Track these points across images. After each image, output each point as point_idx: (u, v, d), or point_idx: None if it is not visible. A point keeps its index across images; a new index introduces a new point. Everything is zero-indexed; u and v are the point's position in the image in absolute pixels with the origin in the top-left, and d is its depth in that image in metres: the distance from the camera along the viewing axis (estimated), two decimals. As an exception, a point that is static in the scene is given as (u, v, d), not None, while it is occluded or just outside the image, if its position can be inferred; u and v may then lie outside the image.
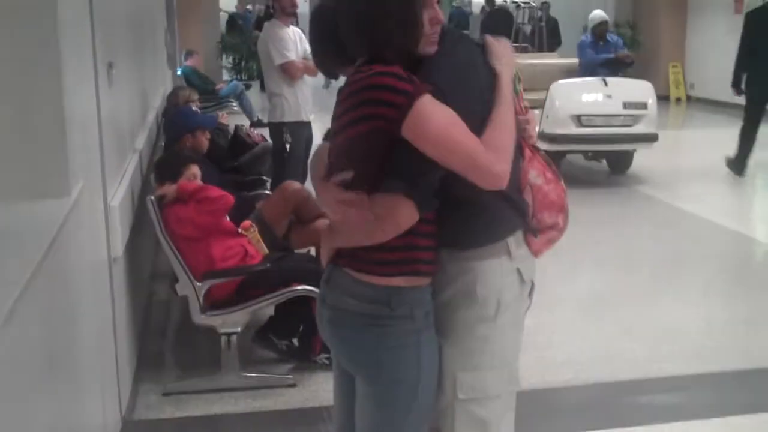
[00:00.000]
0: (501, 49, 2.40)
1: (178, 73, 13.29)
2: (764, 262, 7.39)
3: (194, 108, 7.14)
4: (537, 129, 9.12)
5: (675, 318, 5.62)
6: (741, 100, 11.18)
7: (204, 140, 5.81)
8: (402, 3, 2.22)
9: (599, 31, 10.88)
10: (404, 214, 2.20)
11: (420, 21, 2.25)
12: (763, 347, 5.07)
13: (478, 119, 2.22)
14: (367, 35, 2.25)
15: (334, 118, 2.35)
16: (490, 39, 2.40)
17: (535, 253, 2.54)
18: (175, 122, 6.17)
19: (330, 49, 2.44)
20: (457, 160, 2.19)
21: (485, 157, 2.20)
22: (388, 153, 2.19)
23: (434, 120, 2.15)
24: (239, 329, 4.46)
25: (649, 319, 5.61)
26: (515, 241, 2.43)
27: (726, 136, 12.30)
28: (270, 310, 4.69)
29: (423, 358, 2.32)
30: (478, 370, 2.40)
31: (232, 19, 21.40)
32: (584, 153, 10.57)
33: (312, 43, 2.59)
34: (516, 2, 16.47)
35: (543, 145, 9.28)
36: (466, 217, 2.36)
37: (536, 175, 2.53)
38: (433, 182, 2.23)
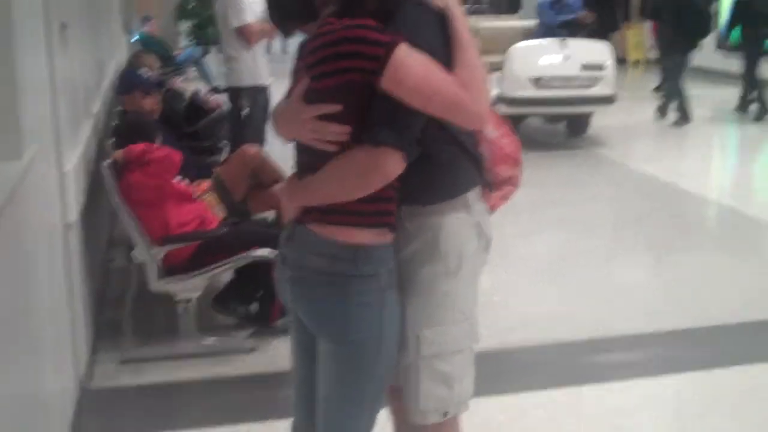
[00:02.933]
0: None
1: (135, 38, 13.12)
2: (718, 222, 7.49)
3: (150, 73, 7.07)
4: (496, 92, 9.19)
5: (631, 278, 5.68)
6: (699, 62, 11.52)
7: (145, 103, 5.73)
8: None
9: (558, -8, 10.88)
10: (392, 165, 2.16)
11: None
12: (717, 305, 5.14)
13: (444, 63, 2.20)
14: None
15: (296, 72, 2.31)
16: None
17: (492, 208, 2.55)
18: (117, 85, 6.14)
19: (293, 2, 2.36)
20: (439, 105, 2.18)
21: (466, 98, 2.19)
22: (365, 105, 2.16)
23: (413, 68, 2.12)
24: (197, 295, 4.44)
25: (605, 279, 5.67)
26: (474, 196, 2.43)
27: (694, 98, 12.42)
28: (229, 276, 4.69)
29: (386, 317, 2.31)
30: (441, 325, 2.41)
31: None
32: (543, 115, 10.61)
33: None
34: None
35: (502, 108, 9.36)
36: (427, 173, 2.33)
37: (492, 128, 2.54)
38: (416, 130, 2.20)
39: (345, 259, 2.25)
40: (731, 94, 12.94)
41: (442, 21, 2.27)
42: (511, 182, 2.63)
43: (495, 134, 2.55)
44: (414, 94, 2.13)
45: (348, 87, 2.15)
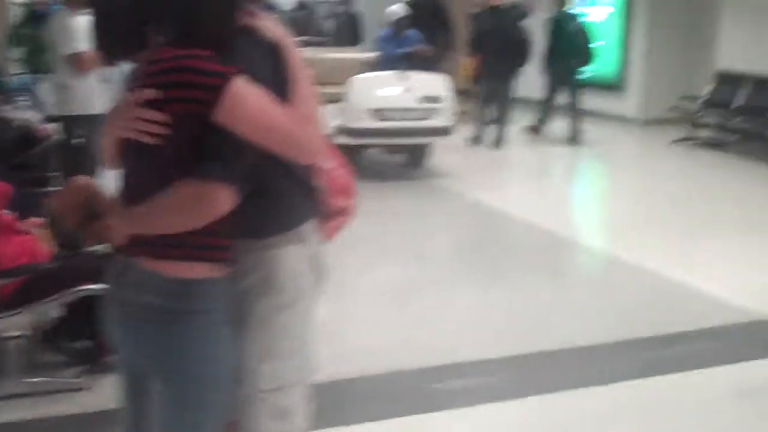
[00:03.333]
0: (271, 24, 2.34)
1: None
2: (554, 250, 7.72)
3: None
4: (337, 123, 9.21)
5: (470, 305, 5.78)
6: (532, 94, 12.14)
7: None
8: None
9: (399, 26, 11.06)
10: (223, 200, 2.13)
11: (237, 15, 2.23)
12: (554, 330, 5.29)
13: (278, 98, 2.19)
14: (182, 14, 2.17)
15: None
16: (255, 20, 2.31)
17: (327, 238, 2.56)
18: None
19: (122, 30, 2.28)
20: (273, 139, 2.16)
21: (301, 132, 2.19)
22: (196, 137, 2.12)
23: (248, 101, 2.10)
24: (24, 332, 4.26)
25: (445, 307, 5.74)
26: (309, 228, 2.43)
27: (515, 129, 12.83)
28: (59, 311, 4.51)
29: (221, 353, 2.26)
30: (279, 360, 2.39)
31: (31, 11, 20.48)
32: (383, 146, 10.73)
33: (99, 21, 2.37)
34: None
35: (343, 139, 9.40)
36: (262, 206, 2.32)
37: (326, 160, 2.55)
38: (246, 165, 2.18)
39: (177, 294, 2.20)
40: (562, 124, 13.49)
41: (275, 53, 2.26)
42: (346, 212, 2.65)
43: (329, 166, 2.56)
44: (248, 127, 2.11)
45: (183, 117, 2.10)
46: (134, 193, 2.25)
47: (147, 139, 2.13)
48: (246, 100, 2.10)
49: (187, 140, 2.12)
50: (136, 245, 2.24)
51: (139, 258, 2.24)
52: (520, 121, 12.94)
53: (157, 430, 2.34)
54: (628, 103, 14.30)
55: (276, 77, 2.23)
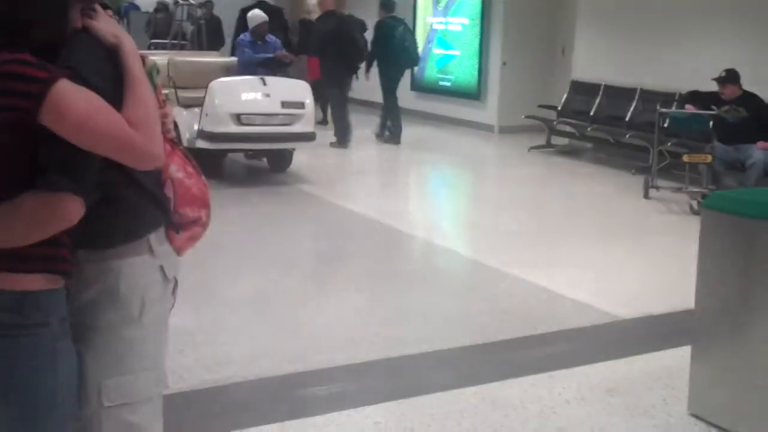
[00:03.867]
0: (108, 24, 2.26)
1: None
2: (414, 254, 7.80)
3: None
4: (197, 127, 9.11)
5: (332, 312, 5.77)
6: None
7: None
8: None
9: (259, 31, 10.98)
10: (71, 211, 2.04)
11: (69, 16, 2.14)
12: (410, 335, 5.32)
13: (116, 101, 2.11)
14: (6, 17, 2.06)
15: None
16: (91, 21, 2.23)
17: (178, 250, 2.48)
18: None
19: None
20: (106, 145, 2.08)
21: (137, 138, 2.10)
22: (27, 147, 2.03)
23: (74, 105, 2.01)
24: None
25: (307, 314, 5.72)
26: (157, 238, 2.35)
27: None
28: None
29: (60, 368, 2.16)
30: (126, 374, 2.30)
31: None
32: (245, 151, 10.63)
33: None
34: (177, 1, 16.23)
35: (203, 144, 9.28)
36: (104, 215, 2.23)
37: (177, 169, 2.47)
38: (94, 174, 2.09)
39: (10, 308, 2.09)
40: (422, 132, 13.69)
41: (113, 57, 2.19)
42: (199, 223, 2.56)
43: (180, 174, 2.48)
44: (77, 134, 2.03)
45: (8, 127, 2.01)
46: None
47: None
48: (70, 107, 2.01)
49: (19, 150, 2.04)
50: None
51: None
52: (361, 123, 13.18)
53: None
54: (485, 112, 14.61)
55: (112, 81, 2.16)
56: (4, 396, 2.14)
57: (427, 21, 15.92)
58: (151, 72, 2.32)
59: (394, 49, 13.03)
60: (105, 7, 2.30)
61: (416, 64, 14.03)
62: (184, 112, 9.84)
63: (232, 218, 7.94)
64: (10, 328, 2.09)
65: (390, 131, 13.37)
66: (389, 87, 13.41)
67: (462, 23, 15.00)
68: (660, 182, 9.46)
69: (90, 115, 2.04)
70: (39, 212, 2.04)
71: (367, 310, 5.83)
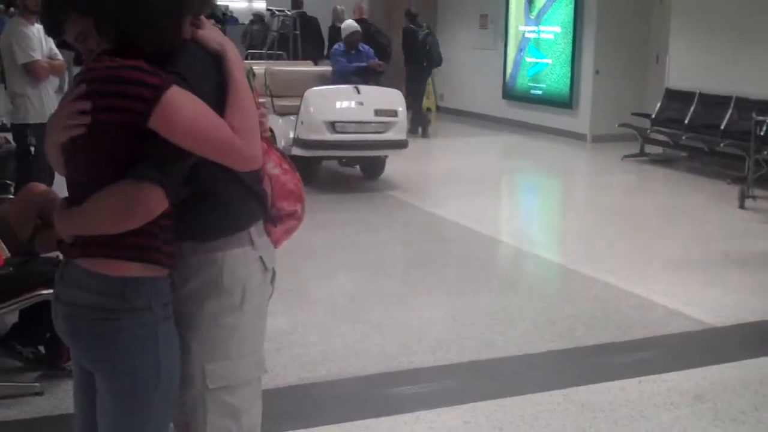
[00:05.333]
0: (213, 33, 2.39)
1: None
2: (504, 260, 7.84)
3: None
4: (292, 135, 9.31)
5: (422, 315, 5.86)
6: (486, 109, 12.35)
7: None
8: (171, 6, 2.24)
9: (351, 40, 11.16)
10: (155, 201, 2.18)
11: (182, 27, 2.28)
12: (499, 338, 5.38)
13: (219, 105, 2.25)
14: (124, 24, 2.22)
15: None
16: (197, 30, 2.36)
17: (276, 243, 2.60)
18: None
19: (74, 5, 2.31)
20: (209, 147, 2.22)
21: (237, 141, 2.24)
22: (133, 144, 2.17)
23: (183, 111, 2.16)
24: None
25: (398, 316, 5.81)
26: (257, 231, 2.48)
27: (470, 144, 12.99)
28: (14, 317, 4.50)
29: (162, 351, 2.30)
30: (228, 359, 2.43)
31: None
32: (339, 159, 10.80)
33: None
34: (271, 10, 16.53)
35: (298, 151, 9.46)
36: (209, 209, 2.38)
37: (273, 165, 2.61)
38: (183, 170, 2.23)
39: (114, 293, 2.25)
40: (513, 140, 13.67)
41: (217, 64, 2.32)
42: (295, 217, 2.69)
43: (277, 171, 2.62)
44: (183, 136, 2.17)
45: (118, 126, 2.16)
46: (76, 197, 2.30)
47: (76, 131, 2.18)
48: (179, 112, 2.16)
49: (122, 146, 2.18)
50: (76, 246, 2.30)
51: (78, 258, 2.29)
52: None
53: (101, 429, 2.37)
54: (578, 120, 14.53)
55: (216, 87, 2.29)
56: (109, 376, 2.31)
57: (519, 29, 15.91)
58: (248, 76, 2.44)
59: (417, 52, 14.64)
60: (218, 17, 2.44)
61: (439, 65, 15.28)
62: (280, 121, 10.06)
63: (325, 223, 8.11)
64: (113, 312, 2.25)
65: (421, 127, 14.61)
66: (413, 88, 14.85)
67: (554, 31, 14.95)
68: (756, 192, 9.30)
69: (196, 120, 2.19)
70: (122, 199, 2.18)
71: (457, 313, 5.89)
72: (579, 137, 14.38)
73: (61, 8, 2.32)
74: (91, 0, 2.26)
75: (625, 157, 12.43)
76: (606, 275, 6.71)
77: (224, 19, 17.77)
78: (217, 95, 2.27)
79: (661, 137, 12.41)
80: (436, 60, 14.93)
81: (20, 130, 7.20)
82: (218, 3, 22.91)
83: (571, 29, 14.55)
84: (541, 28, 15.29)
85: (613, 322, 5.69)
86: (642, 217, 9.26)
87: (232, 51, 2.37)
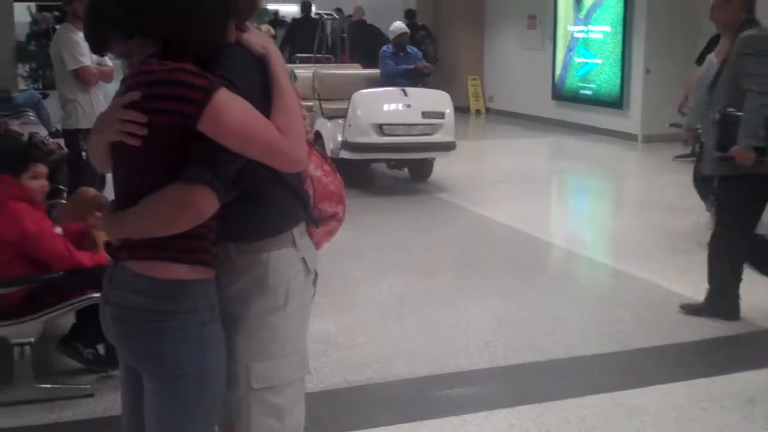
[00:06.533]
0: (258, 37, 2.42)
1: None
2: (553, 262, 7.80)
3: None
4: (341, 138, 9.36)
5: (469, 316, 5.85)
6: (530, 110, 12.16)
7: None
8: (217, 11, 2.28)
9: (399, 42, 11.18)
10: (206, 203, 2.21)
11: (227, 32, 2.31)
12: (547, 341, 5.35)
13: (264, 107, 2.28)
14: (172, 28, 2.26)
15: None
16: (243, 34, 2.39)
17: (317, 244, 2.63)
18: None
19: (119, 24, 2.36)
20: (257, 149, 2.25)
21: (284, 143, 2.27)
22: (182, 146, 2.21)
23: (232, 113, 2.19)
24: (33, 339, 4.32)
25: (445, 318, 5.81)
26: (299, 232, 2.51)
27: (520, 145, 12.92)
28: (71, 318, 4.58)
29: (208, 352, 2.34)
30: (272, 359, 2.46)
31: (35, 28, 20.77)
32: (387, 161, 10.82)
33: (97, 10, 2.45)
34: (319, 13, 16.60)
35: (346, 154, 9.49)
36: (252, 210, 2.41)
37: (315, 167, 2.63)
38: (232, 172, 2.26)
39: (161, 295, 2.28)
40: (563, 141, 13.56)
41: (261, 66, 2.35)
42: (336, 218, 2.72)
43: (318, 173, 2.64)
44: (231, 138, 2.20)
45: (167, 128, 2.19)
46: (124, 199, 2.34)
47: (131, 141, 2.22)
48: (228, 113, 2.19)
49: (171, 148, 2.22)
50: (124, 248, 2.34)
51: (127, 260, 2.33)
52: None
53: (149, 428, 2.41)
54: (628, 120, 14.39)
55: (261, 89, 2.32)
56: (157, 377, 2.35)
57: (567, 29, 15.81)
58: (289, 78, 2.48)
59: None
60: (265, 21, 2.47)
61: (434, 63, 14.74)
62: (329, 124, 10.11)
63: (373, 225, 8.14)
64: (162, 314, 2.29)
65: None
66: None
67: (603, 31, 14.83)
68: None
69: (243, 122, 2.22)
70: (174, 202, 2.22)
71: (505, 315, 5.88)
72: (629, 137, 14.24)
73: (105, 27, 2.37)
74: (135, 16, 2.29)
75: (677, 157, 12.26)
76: (657, 277, 6.65)
77: (277, 21, 17.83)
78: (263, 97, 2.30)
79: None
80: (430, 59, 14.35)
81: (72, 136, 7.32)
82: (269, 7, 23.08)
83: (620, 28, 14.42)
84: (590, 27, 15.18)
85: (663, 325, 5.63)
86: (693, 219, 9.14)
87: (275, 54, 2.40)
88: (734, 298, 5.67)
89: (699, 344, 5.35)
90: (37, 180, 4.53)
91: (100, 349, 4.63)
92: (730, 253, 5.61)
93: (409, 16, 16.98)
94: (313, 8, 17.19)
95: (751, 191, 5.42)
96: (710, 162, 5.57)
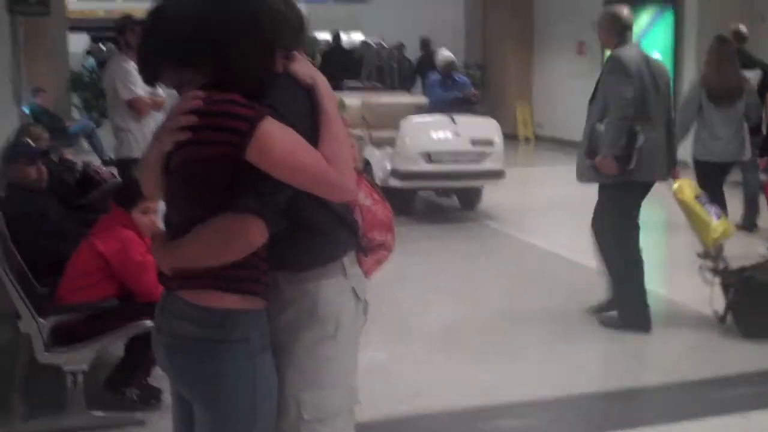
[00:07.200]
0: (305, 67, 2.42)
1: (25, 111, 12.93)
2: (604, 290, 7.68)
3: (37, 144, 6.97)
4: (389, 166, 9.33)
5: (520, 346, 5.80)
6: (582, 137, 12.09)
7: (29, 172, 5.55)
8: (265, 41, 2.29)
9: (447, 70, 11.19)
10: (255, 232, 2.22)
11: (274, 61, 2.33)
12: (600, 372, 5.28)
13: (311, 137, 2.29)
14: (224, 58, 2.28)
15: None
16: (290, 64, 2.39)
17: (366, 273, 2.63)
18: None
19: (172, 54, 2.35)
20: (305, 179, 2.25)
21: (331, 172, 2.27)
22: (232, 176, 2.22)
23: (278, 142, 2.20)
24: (85, 367, 4.35)
25: (495, 347, 5.78)
26: (349, 261, 2.50)
27: (569, 172, 12.76)
28: (119, 349, 4.60)
29: (259, 381, 2.34)
30: (322, 389, 2.45)
31: (90, 59, 21.20)
32: (435, 189, 10.80)
33: (151, 41, 2.42)
34: (367, 42, 16.73)
35: (395, 182, 9.48)
36: (303, 240, 2.41)
37: (364, 196, 2.64)
38: (281, 202, 2.27)
39: (213, 324, 2.29)
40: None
41: (308, 95, 2.36)
42: (385, 247, 2.72)
43: (368, 201, 2.64)
44: (278, 168, 2.20)
45: (215, 159, 2.21)
46: (174, 229, 2.36)
47: (183, 136, 2.24)
48: (275, 143, 2.20)
49: (221, 179, 2.23)
50: (177, 278, 2.36)
51: (179, 290, 2.35)
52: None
53: None
54: (681, 148, 14.16)
55: (309, 118, 2.33)
56: (207, 406, 2.35)
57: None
58: (338, 106, 2.48)
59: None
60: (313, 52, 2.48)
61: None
62: (377, 152, 10.12)
63: (422, 254, 8.11)
64: (213, 343, 2.30)
65: None
66: None
67: (654, 56, 14.70)
68: None
69: (291, 152, 2.22)
70: (224, 232, 2.23)
71: (556, 347, 5.82)
72: (682, 165, 14.03)
73: (158, 57, 2.39)
74: (185, 47, 2.31)
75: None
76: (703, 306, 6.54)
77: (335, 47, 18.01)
78: (311, 127, 2.31)
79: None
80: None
81: (124, 165, 7.39)
82: (317, 37, 23.28)
83: (671, 53, 14.30)
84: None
85: (718, 352, 5.53)
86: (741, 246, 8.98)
87: (323, 84, 2.40)
88: (642, 306, 5.89)
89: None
90: (146, 215, 4.59)
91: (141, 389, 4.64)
92: (623, 255, 6.00)
93: (424, 46, 17.00)
94: (343, 37, 17.39)
95: (619, 198, 5.91)
96: (581, 170, 6.12)
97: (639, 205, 6.03)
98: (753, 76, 8.71)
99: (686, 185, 6.37)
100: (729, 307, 5.86)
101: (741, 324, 5.78)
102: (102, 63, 21.26)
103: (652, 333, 5.91)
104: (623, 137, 5.64)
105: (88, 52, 22.53)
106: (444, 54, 11.51)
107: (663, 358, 5.52)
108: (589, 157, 5.90)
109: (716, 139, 8.13)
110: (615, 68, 5.86)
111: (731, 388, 5.02)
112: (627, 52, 5.90)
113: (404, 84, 16.61)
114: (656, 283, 6.40)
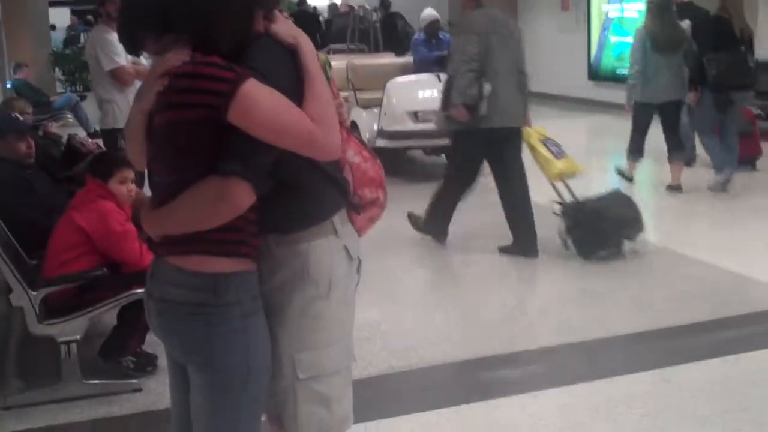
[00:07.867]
0: (287, 26, 2.40)
1: (8, 86, 12.87)
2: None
3: (23, 118, 6.93)
4: (376, 127, 9.28)
5: (508, 300, 5.87)
6: (567, 91, 11.95)
7: (20, 147, 5.53)
8: (243, 2, 2.28)
9: (431, 29, 11.13)
10: (242, 195, 2.21)
11: (254, 22, 2.31)
12: (591, 320, 5.32)
13: (295, 97, 2.27)
14: (202, 22, 2.26)
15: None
16: (271, 25, 2.37)
17: (359, 231, 2.62)
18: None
19: (152, 23, 2.34)
20: (289, 139, 2.23)
21: (316, 131, 2.25)
22: (216, 140, 2.20)
23: (261, 103, 2.18)
24: (78, 336, 4.36)
25: (486, 301, 5.82)
26: (340, 220, 2.50)
27: (558, 126, 12.75)
28: (112, 317, 4.61)
29: (252, 343, 2.34)
30: (317, 349, 2.45)
31: (69, 33, 21.06)
32: (423, 148, 10.78)
33: (129, 11, 2.43)
34: (351, 6, 16.60)
35: (382, 143, 9.46)
36: (291, 200, 2.39)
37: (353, 154, 2.62)
38: (267, 163, 2.25)
39: (205, 288, 2.29)
40: (601, 120, 13.43)
41: (291, 56, 2.33)
42: (377, 204, 2.70)
43: (357, 159, 2.63)
44: (262, 129, 2.18)
45: (198, 122, 2.19)
46: (160, 195, 2.34)
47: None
48: (257, 105, 2.17)
49: (204, 143, 2.21)
50: (165, 244, 2.35)
51: (168, 256, 2.34)
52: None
53: (196, 421, 2.43)
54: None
55: (292, 79, 2.30)
56: (201, 369, 2.36)
57: (602, 9, 15.66)
58: (324, 67, 2.46)
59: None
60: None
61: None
62: (364, 114, 10.08)
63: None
64: (204, 307, 2.29)
65: None
66: None
67: (638, 9, 14.66)
68: None
69: (274, 112, 2.20)
70: (210, 196, 2.21)
71: (546, 295, 5.85)
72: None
73: (138, 26, 2.37)
74: (165, 13, 2.29)
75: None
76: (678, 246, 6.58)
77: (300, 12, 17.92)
78: (295, 87, 2.29)
79: (756, 111, 12.02)
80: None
81: (110, 136, 7.36)
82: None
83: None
84: (625, 6, 15.03)
85: (709, 300, 5.58)
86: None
87: (305, 44, 2.38)
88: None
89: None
90: (123, 184, 4.58)
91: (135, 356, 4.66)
92: (452, 193, 6.98)
93: (385, 5, 16.89)
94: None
95: (467, 144, 6.72)
96: (439, 119, 7.09)
97: (487, 153, 6.78)
98: (685, 27, 8.93)
99: (534, 131, 7.07)
100: (567, 233, 6.65)
101: (578, 247, 6.58)
102: (77, 36, 21.22)
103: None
104: (472, 87, 6.39)
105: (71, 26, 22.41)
106: (428, 13, 11.44)
107: (654, 306, 5.54)
108: (444, 109, 6.71)
109: (656, 82, 8.68)
110: (461, 30, 6.84)
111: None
112: (473, 15, 6.75)
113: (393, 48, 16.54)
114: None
